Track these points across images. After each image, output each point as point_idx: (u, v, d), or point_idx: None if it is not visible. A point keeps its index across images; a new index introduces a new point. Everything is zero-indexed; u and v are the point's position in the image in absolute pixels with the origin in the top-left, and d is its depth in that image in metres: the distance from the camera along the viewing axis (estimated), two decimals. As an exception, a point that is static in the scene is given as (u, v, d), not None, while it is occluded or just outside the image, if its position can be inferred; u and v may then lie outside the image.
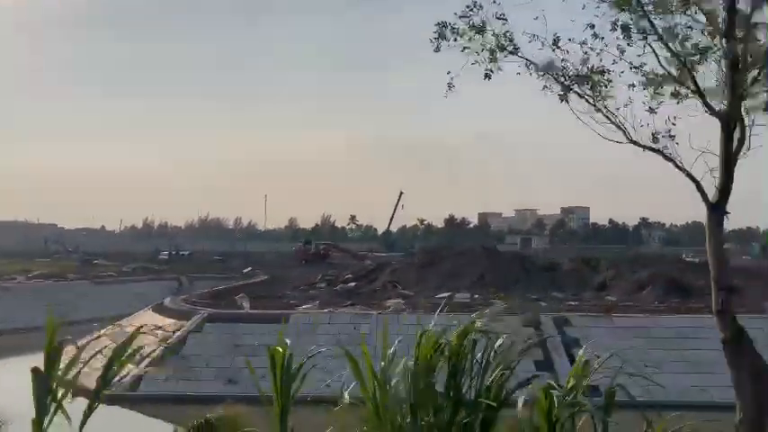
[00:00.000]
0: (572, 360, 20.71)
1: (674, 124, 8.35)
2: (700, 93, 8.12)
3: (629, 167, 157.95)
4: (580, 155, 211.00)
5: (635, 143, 8.40)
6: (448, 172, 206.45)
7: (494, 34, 8.70)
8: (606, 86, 8.53)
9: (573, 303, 25.11)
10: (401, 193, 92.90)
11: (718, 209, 8.03)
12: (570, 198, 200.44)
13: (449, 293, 26.67)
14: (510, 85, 12.21)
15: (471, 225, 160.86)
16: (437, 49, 8.78)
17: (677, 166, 8.26)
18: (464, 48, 8.81)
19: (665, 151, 8.29)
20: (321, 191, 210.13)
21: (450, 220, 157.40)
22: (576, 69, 8.53)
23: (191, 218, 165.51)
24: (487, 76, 9.01)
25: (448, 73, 8.82)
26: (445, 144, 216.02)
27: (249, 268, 44.03)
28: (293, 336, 18.96)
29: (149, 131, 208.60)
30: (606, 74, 8.60)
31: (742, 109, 7.99)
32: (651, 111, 8.44)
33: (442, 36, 8.80)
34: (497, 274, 29.16)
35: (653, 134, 8.39)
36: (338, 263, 51.16)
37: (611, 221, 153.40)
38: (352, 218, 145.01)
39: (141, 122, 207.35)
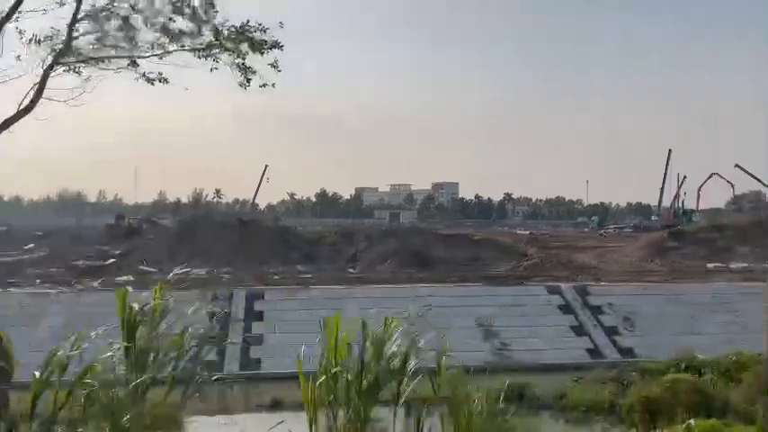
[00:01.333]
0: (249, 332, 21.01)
1: None
2: None
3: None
4: (462, 133, 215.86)
5: None
6: (329, 146, 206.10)
7: None
8: None
9: (307, 276, 25.36)
10: (266, 166, 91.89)
11: None
12: (442, 174, 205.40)
13: (187, 269, 26.33)
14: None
15: (343, 199, 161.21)
16: None
17: None
18: None
19: None
20: (195, 163, 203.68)
21: (323, 195, 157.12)
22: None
23: (47, 192, 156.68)
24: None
25: None
26: (327, 117, 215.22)
27: (32, 245, 42.17)
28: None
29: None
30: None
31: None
32: None
33: None
34: (252, 248, 29.05)
35: None
36: (153, 238, 49.62)
37: (477, 197, 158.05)
38: (217, 192, 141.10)
39: None
